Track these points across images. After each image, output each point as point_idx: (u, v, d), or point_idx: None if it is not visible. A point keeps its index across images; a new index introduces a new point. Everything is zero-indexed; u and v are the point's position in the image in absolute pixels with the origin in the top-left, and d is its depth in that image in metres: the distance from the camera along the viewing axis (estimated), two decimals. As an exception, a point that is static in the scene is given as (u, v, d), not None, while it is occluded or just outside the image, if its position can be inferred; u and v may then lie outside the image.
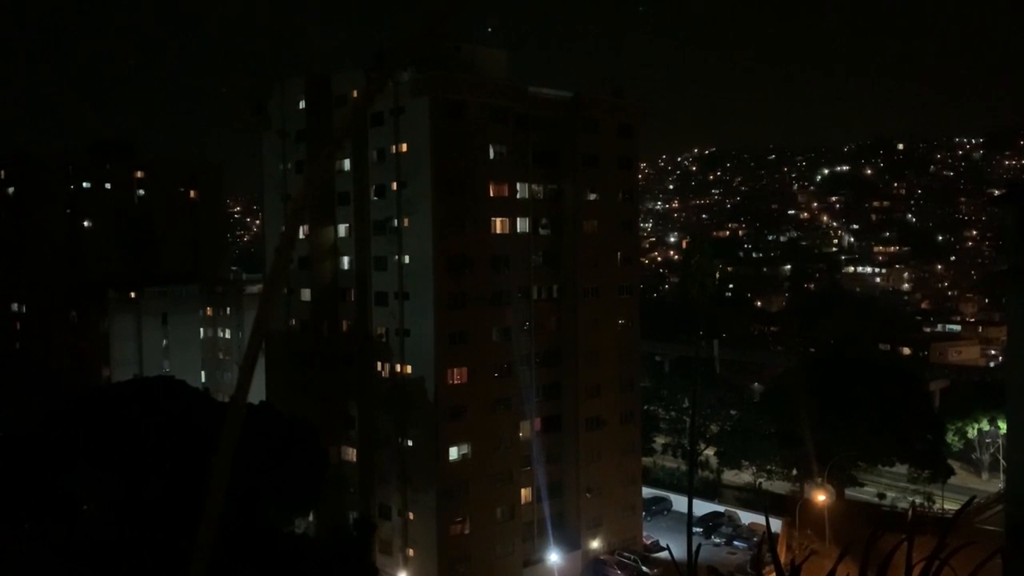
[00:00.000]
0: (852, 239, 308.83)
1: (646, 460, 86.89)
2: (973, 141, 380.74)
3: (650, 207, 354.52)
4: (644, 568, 67.66)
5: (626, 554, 69.16)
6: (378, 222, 65.30)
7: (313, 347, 69.80)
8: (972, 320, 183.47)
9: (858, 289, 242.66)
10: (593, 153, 70.28)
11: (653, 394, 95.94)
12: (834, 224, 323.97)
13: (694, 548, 61.44)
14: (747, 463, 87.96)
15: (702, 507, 77.16)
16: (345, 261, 68.93)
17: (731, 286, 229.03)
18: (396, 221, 63.45)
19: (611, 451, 71.29)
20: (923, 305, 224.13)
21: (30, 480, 46.23)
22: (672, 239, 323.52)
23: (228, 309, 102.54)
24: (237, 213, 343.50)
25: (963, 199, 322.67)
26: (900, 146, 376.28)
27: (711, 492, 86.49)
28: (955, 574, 7.15)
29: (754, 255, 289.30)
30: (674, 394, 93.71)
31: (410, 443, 63.26)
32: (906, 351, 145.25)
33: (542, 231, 69.16)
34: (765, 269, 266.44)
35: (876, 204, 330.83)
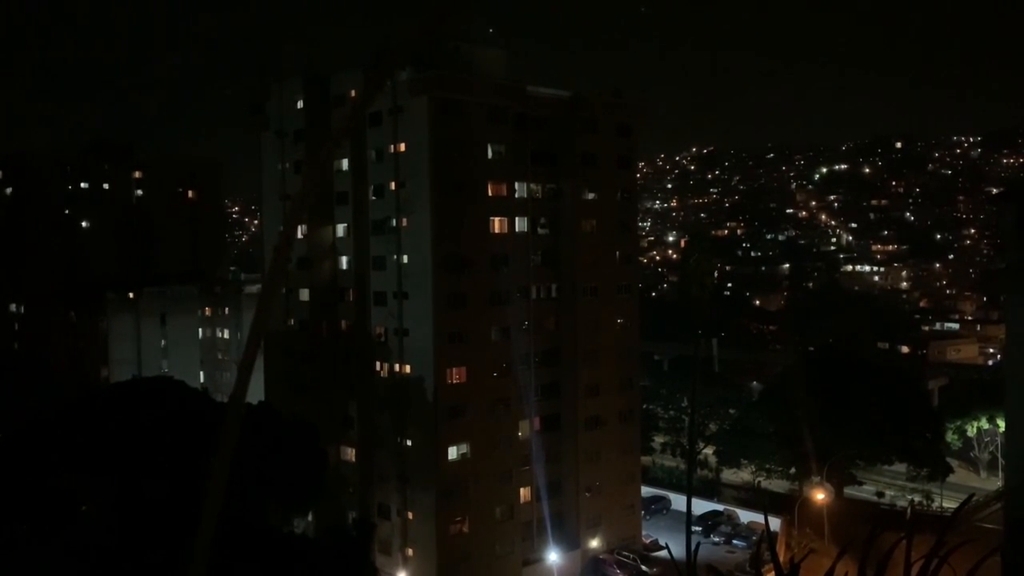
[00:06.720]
0: (850, 238, 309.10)
1: (645, 459, 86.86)
2: (971, 140, 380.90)
3: (649, 206, 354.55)
4: (643, 567, 67.65)
5: (625, 553, 69.17)
6: (377, 222, 65.25)
7: (312, 347, 69.77)
8: (971, 318, 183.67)
9: (856, 288, 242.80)
10: (592, 152, 70.24)
11: (652, 393, 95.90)
12: (832, 223, 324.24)
13: (693, 547, 61.45)
14: (746, 462, 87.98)
15: (701, 506, 77.18)
16: (344, 261, 68.89)
17: (730, 285, 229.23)
18: (395, 221, 63.42)
19: (610, 450, 71.29)
20: (922, 303, 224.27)
21: (29, 480, 46.19)
22: (671, 238, 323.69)
23: (227, 309, 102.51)
24: (236, 213, 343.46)
25: (961, 198, 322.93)
26: (898, 145, 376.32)
27: (710, 491, 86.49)
28: (954, 572, 7.16)
29: (753, 254, 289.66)
30: (673, 393, 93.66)
31: (409, 443, 63.24)
32: (905, 349, 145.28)
33: (541, 230, 69.13)
34: (764, 268, 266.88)
35: (874, 203, 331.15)
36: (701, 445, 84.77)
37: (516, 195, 66.24)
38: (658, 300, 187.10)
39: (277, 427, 53.12)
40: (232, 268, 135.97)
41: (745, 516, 78.25)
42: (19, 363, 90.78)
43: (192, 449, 41.06)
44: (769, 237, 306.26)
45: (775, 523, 74.27)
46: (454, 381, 61.80)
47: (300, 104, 69.37)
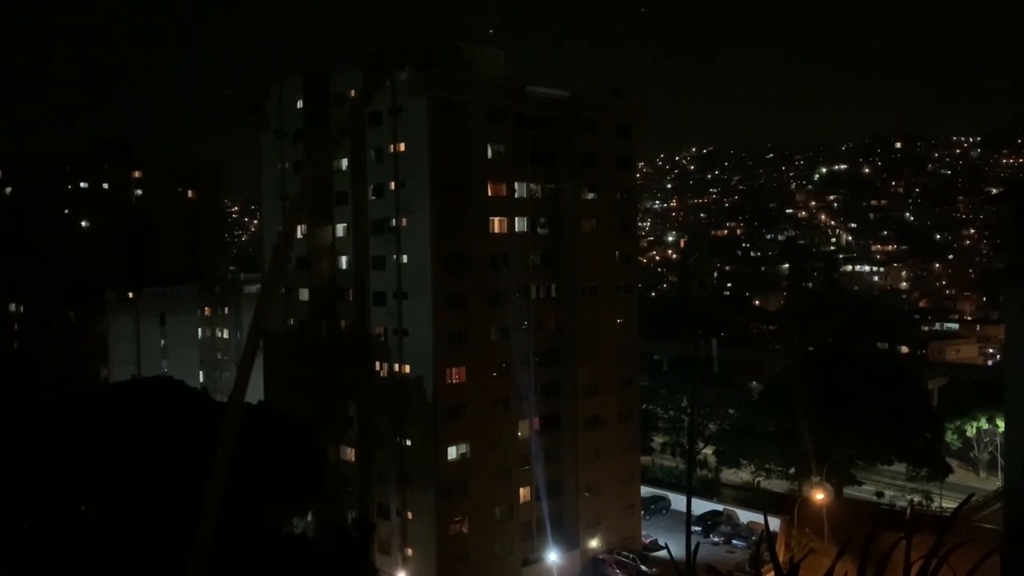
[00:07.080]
0: (850, 238, 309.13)
1: (645, 459, 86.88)
2: (971, 140, 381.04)
3: (648, 206, 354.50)
4: (643, 567, 67.64)
5: (625, 553, 69.15)
6: (376, 222, 65.23)
7: (311, 347, 69.75)
8: (970, 318, 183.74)
9: (856, 288, 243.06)
10: (591, 152, 70.23)
11: (652, 393, 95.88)
12: (832, 223, 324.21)
13: (693, 547, 61.47)
14: (746, 462, 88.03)
15: (701, 506, 77.18)
16: (343, 261, 68.85)
17: (729, 285, 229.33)
18: (394, 221, 63.38)
19: (610, 450, 71.28)
20: (921, 303, 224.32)
21: (28, 480, 46.17)
22: (670, 238, 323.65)
23: (226, 309, 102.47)
24: (235, 213, 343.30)
25: (961, 198, 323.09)
26: (898, 145, 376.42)
27: (710, 491, 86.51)
28: (953, 572, 7.17)
29: (752, 254, 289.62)
30: (673, 393, 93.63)
31: (409, 443, 63.22)
32: (904, 349, 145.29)
33: (540, 230, 69.11)
34: (763, 268, 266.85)
35: (874, 203, 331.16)
36: (701, 445, 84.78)
37: (516, 195, 66.21)
38: (658, 300, 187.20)
39: (276, 427, 53.09)
40: (232, 268, 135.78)
41: (745, 516, 78.24)
42: (19, 363, 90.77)
43: (191, 449, 41.09)
44: (769, 237, 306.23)
45: (775, 523, 74.30)
46: (453, 381, 61.79)
47: (300, 104, 69.34)
